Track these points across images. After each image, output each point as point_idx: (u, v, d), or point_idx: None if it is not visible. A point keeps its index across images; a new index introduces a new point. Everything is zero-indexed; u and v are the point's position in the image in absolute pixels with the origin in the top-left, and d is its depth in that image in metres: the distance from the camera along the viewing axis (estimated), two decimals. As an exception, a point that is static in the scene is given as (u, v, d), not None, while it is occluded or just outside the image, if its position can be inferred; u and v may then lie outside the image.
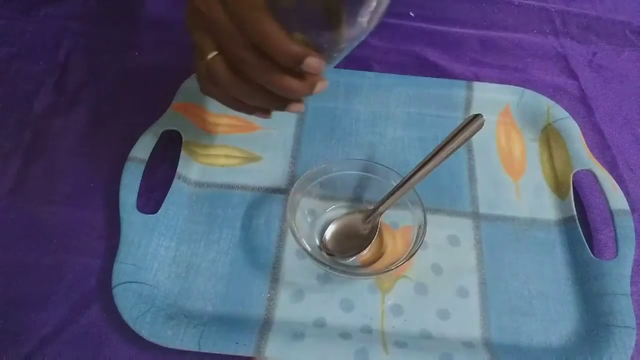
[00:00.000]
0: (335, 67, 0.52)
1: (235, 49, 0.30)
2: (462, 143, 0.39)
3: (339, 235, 0.42)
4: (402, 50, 0.56)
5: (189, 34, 0.33)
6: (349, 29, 0.29)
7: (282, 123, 0.49)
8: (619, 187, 0.43)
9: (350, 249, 0.41)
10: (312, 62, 0.29)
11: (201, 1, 0.31)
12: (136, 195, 0.41)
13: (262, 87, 0.32)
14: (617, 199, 0.43)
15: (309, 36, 0.29)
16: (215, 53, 0.32)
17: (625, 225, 0.41)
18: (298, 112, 0.35)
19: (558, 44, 0.59)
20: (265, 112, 0.36)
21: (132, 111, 0.49)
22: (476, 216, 0.44)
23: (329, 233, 0.42)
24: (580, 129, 0.48)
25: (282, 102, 0.33)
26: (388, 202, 0.41)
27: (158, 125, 0.45)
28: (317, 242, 0.42)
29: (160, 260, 0.40)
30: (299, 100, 0.34)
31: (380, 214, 0.42)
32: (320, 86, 0.32)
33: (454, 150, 0.39)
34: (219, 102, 0.35)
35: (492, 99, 0.51)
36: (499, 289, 0.41)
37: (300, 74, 0.31)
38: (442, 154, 0.39)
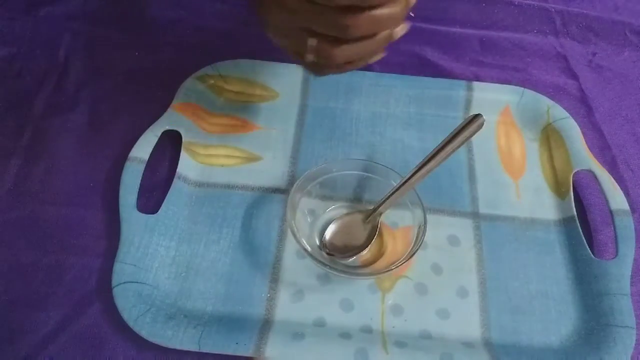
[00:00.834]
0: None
1: (330, 23, 0.31)
2: (462, 143, 0.39)
3: (339, 235, 0.42)
4: (402, 50, 0.56)
5: (275, 40, 0.34)
6: None
7: (282, 123, 0.49)
8: (619, 187, 0.43)
9: (350, 249, 0.41)
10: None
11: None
12: (136, 195, 0.41)
13: (366, 36, 0.32)
14: (617, 199, 0.43)
15: None
16: (312, 40, 0.32)
17: (625, 225, 0.41)
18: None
19: (558, 44, 0.59)
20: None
21: (132, 111, 0.49)
22: (476, 216, 0.44)
23: (329, 233, 0.42)
24: (580, 129, 0.48)
25: (386, 40, 0.34)
26: (388, 202, 0.41)
27: (158, 125, 0.45)
28: (317, 242, 0.42)
29: (160, 260, 0.40)
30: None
31: (380, 214, 0.42)
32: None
33: (454, 150, 0.39)
34: (340, 73, 0.36)
35: (492, 99, 0.51)
36: (499, 289, 0.41)
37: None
38: (442, 154, 0.39)
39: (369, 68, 0.53)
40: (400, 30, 0.34)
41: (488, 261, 0.42)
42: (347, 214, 0.43)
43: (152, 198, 0.43)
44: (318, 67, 0.36)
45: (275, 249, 0.42)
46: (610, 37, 0.60)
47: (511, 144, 0.49)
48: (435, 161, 0.39)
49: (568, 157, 0.46)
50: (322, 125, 0.49)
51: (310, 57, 0.33)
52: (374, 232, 0.42)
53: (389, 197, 0.41)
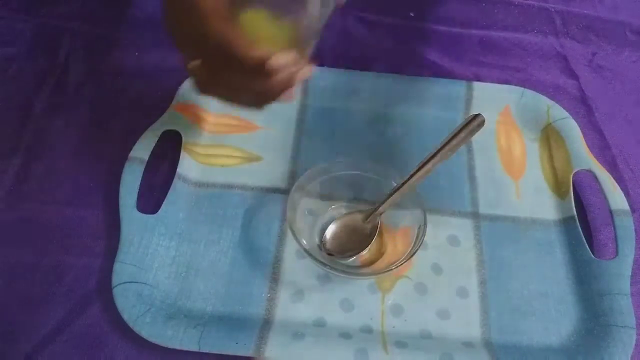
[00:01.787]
0: (335, 67, 0.52)
1: (211, 59, 0.31)
2: (462, 143, 0.39)
3: (339, 235, 0.42)
4: (402, 50, 0.56)
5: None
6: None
7: (282, 123, 0.49)
8: (619, 187, 0.43)
9: (350, 249, 0.41)
10: (276, 60, 0.30)
11: (173, 13, 0.32)
12: (136, 195, 0.41)
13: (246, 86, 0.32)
14: (617, 199, 0.43)
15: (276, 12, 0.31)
16: (196, 62, 0.32)
17: (625, 225, 0.41)
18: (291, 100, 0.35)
19: (558, 44, 0.59)
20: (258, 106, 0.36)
21: (132, 111, 0.49)
22: (476, 216, 0.44)
23: (329, 233, 0.42)
24: (580, 129, 0.48)
25: (267, 98, 0.34)
26: (388, 202, 0.41)
27: (158, 125, 0.45)
28: (317, 242, 0.42)
29: (160, 260, 0.40)
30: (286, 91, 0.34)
31: (380, 214, 0.42)
32: (304, 73, 0.33)
33: (454, 150, 0.39)
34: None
35: (492, 99, 0.51)
36: (499, 289, 0.41)
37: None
38: (442, 154, 0.39)
39: (368, 68, 0.54)
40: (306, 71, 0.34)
41: (488, 261, 0.42)
42: (347, 214, 0.43)
43: (152, 198, 0.43)
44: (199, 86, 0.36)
45: (275, 249, 0.42)
46: (610, 37, 0.60)
47: (511, 144, 0.49)
48: (435, 161, 0.39)
49: (568, 157, 0.46)
50: (322, 125, 0.49)
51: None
52: (374, 232, 0.42)
53: (389, 197, 0.41)
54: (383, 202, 0.41)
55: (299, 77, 0.33)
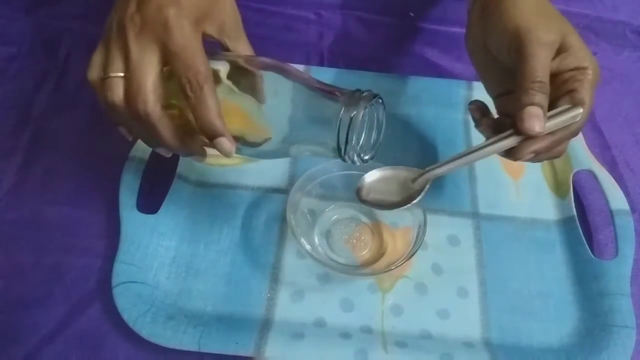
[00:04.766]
0: (335, 67, 0.52)
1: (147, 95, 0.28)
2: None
3: (378, 184, 0.37)
4: (402, 50, 0.56)
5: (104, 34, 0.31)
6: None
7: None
8: (619, 187, 0.43)
9: (386, 201, 0.36)
10: (224, 142, 0.29)
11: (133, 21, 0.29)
12: (136, 195, 0.41)
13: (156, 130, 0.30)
14: (617, 199, 0.43)
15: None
16: (120, 74, 0.29)
17: (625, 225, 0.41)
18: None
19: (558, 44, 0.59)
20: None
21: (132, 111, 0.49)
22: (476, 216, 0.44)
23: (369, 177, 0.37)
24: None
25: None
26: (446, 167, 0.35)
27: (158, 125, 0.45)
28: (317, 241, 0.42)
29: (160, 260, 0.40)
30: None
31: (428, 180, 0.36)
32: (200, 156, 0.33)
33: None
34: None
35: (492, 99, 0.51)
36: (499, 289, 0.41)
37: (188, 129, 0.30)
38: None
39: (368, 68, 0.53)
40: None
41: (488, 261, 0.42)
42: (392, 169, 0.37)
43: (152, 198, 0.43)
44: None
45: (275, 249, 0.42)
46: (610, 37, 0.60)
47: (511, 144, 0.49)
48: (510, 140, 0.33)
49: (568, 157, 0.46)
50: (322, 125, 0.49)
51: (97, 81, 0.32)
52: (416, 194, 0.36)
53: (448, 162, 0.34)
54: (441, 166, 0.35)
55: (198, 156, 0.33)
